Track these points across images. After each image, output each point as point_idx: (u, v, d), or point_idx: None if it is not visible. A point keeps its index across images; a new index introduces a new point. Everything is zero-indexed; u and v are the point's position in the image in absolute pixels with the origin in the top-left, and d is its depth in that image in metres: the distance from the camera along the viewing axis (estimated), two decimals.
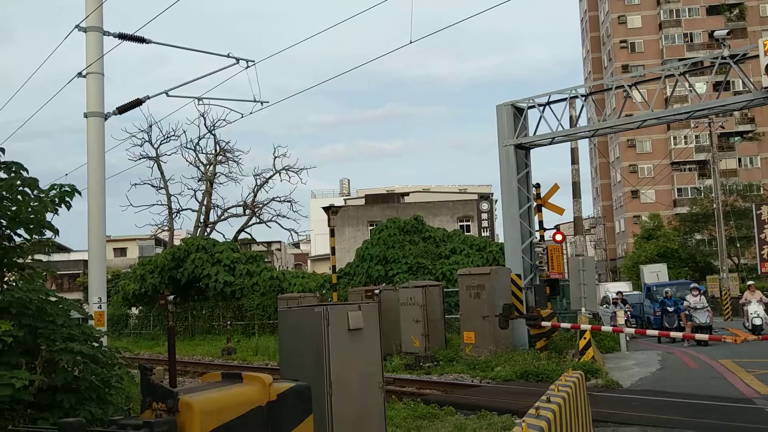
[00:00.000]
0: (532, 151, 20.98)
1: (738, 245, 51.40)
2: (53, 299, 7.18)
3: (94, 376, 6.69)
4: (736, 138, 74.74)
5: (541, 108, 19.89)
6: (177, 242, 41.66)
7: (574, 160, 27.72)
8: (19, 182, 6.81)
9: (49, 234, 7.25)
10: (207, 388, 4.05)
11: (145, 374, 3.84)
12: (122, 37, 13.80)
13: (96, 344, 7.23)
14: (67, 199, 7.18)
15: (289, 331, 7.99)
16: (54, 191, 7.11)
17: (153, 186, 43.99)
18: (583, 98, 20.05)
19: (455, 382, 15.20)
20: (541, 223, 20.62)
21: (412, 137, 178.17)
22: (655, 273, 42.52)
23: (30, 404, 6.06)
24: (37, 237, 7.13)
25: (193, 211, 44.94)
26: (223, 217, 45.17)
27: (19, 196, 6.83)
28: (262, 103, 16.21)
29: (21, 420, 5.90)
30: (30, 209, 6.88)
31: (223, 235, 44.64)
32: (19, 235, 7.08)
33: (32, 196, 6.94)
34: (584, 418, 7.55)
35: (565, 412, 6.25)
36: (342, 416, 7.30)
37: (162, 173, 44.00)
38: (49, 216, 7.12)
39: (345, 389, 7.39)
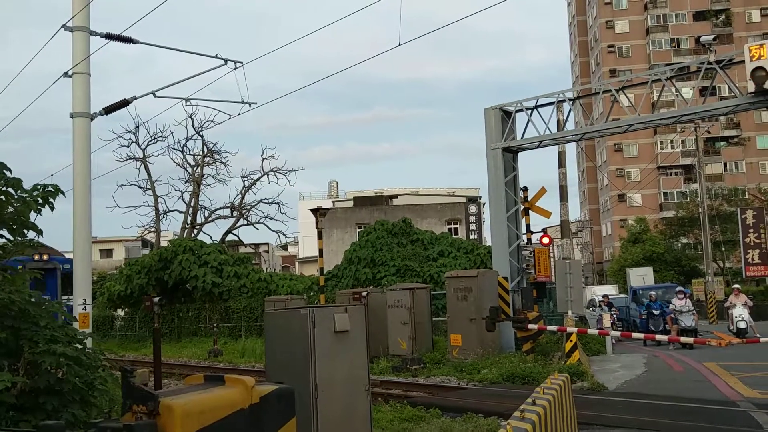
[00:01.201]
0: (519, 154, 21.05)
1: (723, 249, 51.82)
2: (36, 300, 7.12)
3: (78, 378, 6.62)
4: (722, 143, 75.39)
5: (529, 111, 19.97)
6: (164, 243, 41.44)
7: (562, 164, 27.76)
8: (2, 182, 6.75)
9: (32, 235, 7.19)
10: (189, 391, 4.03)
11: (126, 376, 3.81)
12: (109, 37, 13.71)
13: (80, 346, 7.17)
14: (51, 199, 7.12)
15: (276, 333, 7.97)
16: (37, 191, 7.05)
17: (140, 187, 43.75)
18: (571, 102, 20.15)
19: (442, 384, 15.20)
20: (528, 226, 20.69)
21: (401, 140, 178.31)
22: (641, 276, 42.78)
23: (12, 406, 6.00)
24: (20, 238, 7.07)
25: (180, 212, 44.73)
26: (210, 219, 44.99)
27: (2, 197, 6.77)
28: (250, 104, 16.15)
29: (3, 422, 5.84)
30: (13, 209, 6.82)
31: (211, 237, 44.42)
32: (2, 236, 7.01)
33: (15, 197, 6.87)
34: (570, 421, 7.57)
35: (551, 414, 6.27)
36: (328, 419, 7.29)
37: (149, 174, 43.75)
38: (32, 216, 7.06)
39: (331, 392, 7.38)
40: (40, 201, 7.05)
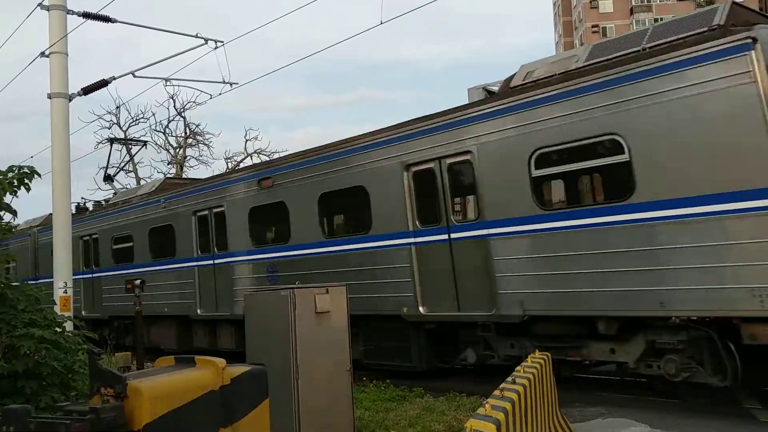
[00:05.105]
0: None
1: None
2: (15, 284, 7.07)
3: (57, 361, 6.59)
4: None
5: None
6: None
7: None
8: None
9: (8, 217, 7.12)
10: (158, 373, 3.98)
11: (93, 358, 3.75)
12: (87, 15, 13.54)
13: (59, 329, 7.13)
14: (26, 180, 7.04)
15: (256, 314, 7.94)
16: (12, 173, 6.97)
17: (121, 169, 43.28)
18: None
19: None
20: None
21: (386, 122, 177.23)
22: None
23: None
24: None
25: None
26: None
27: None
28: (231, 84, 16.04)
29: None
30: None
31: None
32: None
33: None
34: (550, 399, 7.62)
35: (531, 392, 6.29)
36: (309, 400, 7.29)
37: (131, 156, 43.27)
38: (8, 198, 6.98)
39: (312, 373, 7.38)
40: (16, 183, 6.97)
